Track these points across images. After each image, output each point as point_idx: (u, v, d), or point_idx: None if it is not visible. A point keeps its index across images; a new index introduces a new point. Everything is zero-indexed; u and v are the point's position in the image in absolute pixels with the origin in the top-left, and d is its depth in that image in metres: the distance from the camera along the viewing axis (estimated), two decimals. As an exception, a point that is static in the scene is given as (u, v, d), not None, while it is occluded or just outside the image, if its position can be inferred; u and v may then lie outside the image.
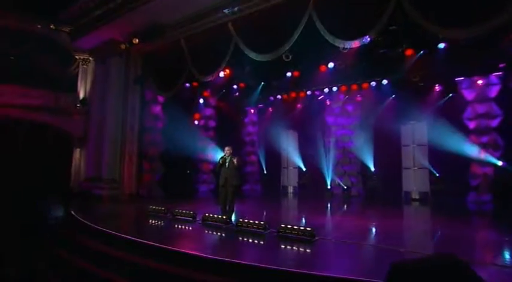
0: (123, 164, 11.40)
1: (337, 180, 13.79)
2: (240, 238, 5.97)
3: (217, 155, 15.13)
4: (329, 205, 11.82)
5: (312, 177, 14.34)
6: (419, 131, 12.70)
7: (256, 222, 6.13)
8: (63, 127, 12.33)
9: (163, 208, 7.92)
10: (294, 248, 5.31)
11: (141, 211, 8.45)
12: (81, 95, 12.58)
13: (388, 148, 12.90)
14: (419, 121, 12.45)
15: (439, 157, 11.43)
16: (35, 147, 11.83)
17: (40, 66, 11.89)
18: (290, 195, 14.99)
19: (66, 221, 7.39)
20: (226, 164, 7.50)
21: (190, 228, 6.84)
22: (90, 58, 12.41)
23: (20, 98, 11.25)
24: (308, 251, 5.17)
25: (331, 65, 11.05)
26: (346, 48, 8.49)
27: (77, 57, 12.49)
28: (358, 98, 13.54)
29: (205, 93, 14.29)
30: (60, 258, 5.64)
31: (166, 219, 7.57)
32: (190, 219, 7.24)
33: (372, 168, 13.22)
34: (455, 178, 11.00)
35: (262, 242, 5.74)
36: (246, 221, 6.29)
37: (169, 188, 12.62)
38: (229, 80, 12.23)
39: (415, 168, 12.79)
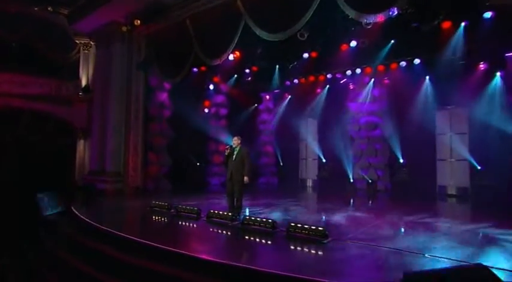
0: (128, 155, 11.53)
1: (361, 173, 13.40)
2: (246, 237, 5.88)
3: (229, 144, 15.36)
4: (351, 201, 11.55)
5: (332, 170, 14.03)
6: (458, 118, 12.05)
7: (264, 220, 6.01)
8: (66, 117, 12.61)
9: (166, 204, 7.92)
10: (305, 249, 5.16)
11: (144, 206, 8.50)
12: (84, 83, 12.77)
13: (421, 137, 12.30)
14: (459, 106, 11.77)
15: (482, 148, 10.80)
16: (36, 139, 12.17)
17: (40, 52, 12.14)
18: (309, 189, 14.81)
19: (64, 217, 7.55)
20: (234, 155, 7.37)
21: (194, 225, 6.80)
22: (92, 42, 12.53)
23: (19, 86, 11.55)
24: (320, 253, 5.01)
25: (353, 43, 10.60)
26: (370, 23, 8.06)
27: (77, 41, 12.64)
28: (386, 81, 12.99)
29: (216, 79, 14.18)
30: (56, 257, 5.76)
31: (169, 216, 7.57)
32: (195, 215, 7.19)
33: (401, 160, 12.73)
34: (500, 172, 10.31)
35: (269, 242, 5.63)
36: (252, 218, 6.18)
37: (178, 181, 12.74)
38: (240, 64, 12.03)
39: (452, 159, 12.20)
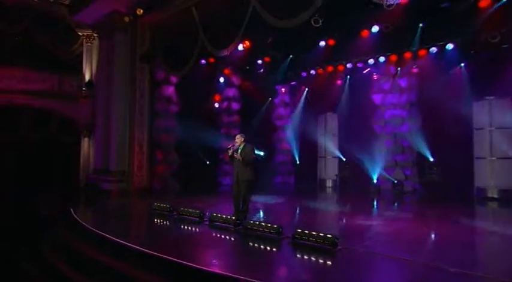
0: (132, 154, 11.64)
1: (385, 173, 12.97)
2: (250, 243, 5.80)
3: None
4: (374, 203, 11.26)
5: (354, 169, 13.67)
6: (499, 110, 11.35)
7: (269, 225, 5.90)
8: (69, 114, 12.89)
9: (168, 206, 7.94)
10: (312, 258, 4.99)
11: (147, 208, 8.55)
12: (87, 77, 12.99)
13: (455, 132, 11.70)
14: (500, 97, 11.12)
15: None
16: (39, 137, 12.50)
17: (41, 46, 12.42)
18: (328, 190, 14.55)
19: (62, 219, 7.69)
20: (238, 155, 7.27)
21: (196, 229, 6.81)
22: (94, 34, 12.71)
23: (21, 82, 11.88)
24: (329, 263, 4.82)
25: (375, 29, 10.23)
26: (392, 4, 7.68)
27: (80, 33, 12.86)
28: (414, 69, 12.47)
29: (226, 71, 14.11)
30: (48, 262, 5.85)
31: (171, 219, 7.60)
32: (197, 219, 7.18)
33: (431, 158, 12.23)
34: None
35: (274, 249, 5.52)
36: (257, 223, 6.12)
37: (186, 181, 12.79)
38: (251, 54, 11.93)
39: (493, 158, 11.56)
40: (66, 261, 5.82)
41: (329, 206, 11.49)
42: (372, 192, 12.88)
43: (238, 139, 7.39)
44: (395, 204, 11.08)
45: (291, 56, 12.57)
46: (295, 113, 15.40)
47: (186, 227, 6.97)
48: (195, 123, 13.08)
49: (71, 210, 7.88)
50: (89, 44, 13.00)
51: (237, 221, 6.48)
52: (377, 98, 13.22)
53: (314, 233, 5.33)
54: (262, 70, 13.21)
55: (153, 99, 12.27)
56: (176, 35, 11.05)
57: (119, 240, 5.54)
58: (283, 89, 15.84)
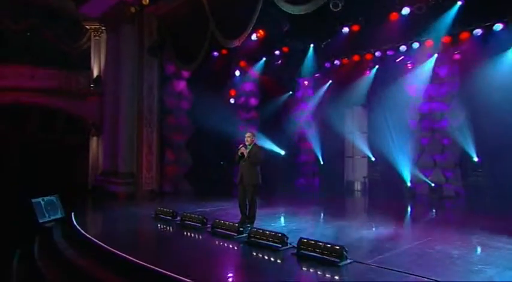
0: (141, 154, 11.83)
1: (422, 175, 12.45)
2: (251, 254, 5.73)
3: (261, 140, 15.23)
4: (409, 209, 10.92)
5: (385, 170, 13.24)
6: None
7: (273, 233, 5.79)
8: (77, 112, 13.29)
9: (171, 211, 8.00)
10: (319, 272, 4.80)
11: (152, 213, 8.63)
12: (95, 73, 13.33)
13: (504, 128, 11.03)
14: None
15: None
16: (46, 137, 13.00)
17: (48, 41, 12.88)
18: (357, 194, 14.22)
19: (61, 225, 7.89)
20: (245, 155, 7.22)
21: (198, 237, 6.81)
22: (102, 27, 13.02)
23: (28, 80, 12.37)
24: (336, 278, 4.62)
25: (405, 10, 9.78)
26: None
27: (87, 27, 13.23)
28: (456, 56, 11.87)
29: (242, 63, 14.05)
30: (39, 270, 6.00)
31: (174, 224, 7.65)
32: (199, 225, 7.17)
33: (475, 158, 11.62)
34: None
35: (278, 261, 5.40)
36: (260, 231, 6.01)
37: (200, 183, 12.86)
38: (267, 45, 11.81)
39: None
40: (58, 270, 5.94)
41: (354, 212, 11.25)
42: (405, 196, 12.51)
43: (249, 137, 7.37)
44: (433, 211, 10.68)
45: (311, 45, 12.26)
46: (319, 108, 15.13)
47: (187, 234, 6.98)
48: (209, 121, 13.13)
49: (72, 214, 8.10)
50: (97, 37, 13.34)
51: (240, 229, 6.42)
52: (412, 90, 12.76)
53: (320, 243, 5.16)
54: (280, 61, 13.01)
55: (163, 95, 12.42)
56: (185, 26, 11.09)
57: (108, 248, 5.59)
58: (305, 82, 15.59)
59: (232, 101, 14.61)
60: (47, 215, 7.89)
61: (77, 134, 13.68)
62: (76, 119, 13.49)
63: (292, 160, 15.53)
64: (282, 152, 15.22)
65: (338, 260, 4.87)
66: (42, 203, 7.91)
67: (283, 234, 5.73)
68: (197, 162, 13.04)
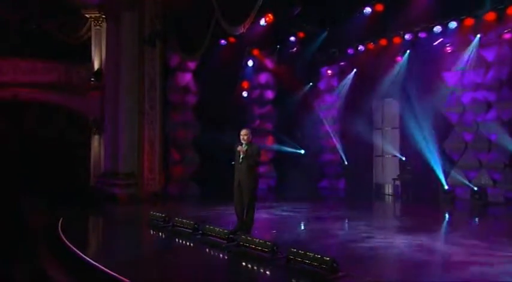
0: (142, 154, 12.12)
1: (463, 177, 12.12)
2: (238, 264, 5.84)
3: (276, 138, 15.26)
4: (447, 217, 10.75)
5: (419, 171, 12.88)
6: None
7: (261, 241, 5.85)
8: (78, 108, 13.76)
9: (163, 215, 8.17)
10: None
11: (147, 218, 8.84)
12: (96, 66, 13.75)
13: None
14: None
15: None
16: (45, 135, 13.54)
17: (47, 33, 13.40)
18: (387, 198, 13.94)
19: (44, 233, 8.22)
20: (241, 156, 7.24)
21: (187, 244, 7.01)
22: (103, 16, 13.41)
23: (27, 74, 12.92)
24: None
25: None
26: None
27: (87, 15, 13.66)
28: (506, 35, 11.34)
29: (255, 52, 14.07)
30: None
31: (166, 230, 7.82)
32: (190, 231, 7.33)
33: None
34: None
35: (267, 272, 5.49)
36: (249, 238, 6.10)
37: (208, 185, 13.02)
38: (279, 30, 11.79)
39: None
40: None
41: (381, 219, 11.00)
42: (443, 201, 12.25)
43: (245, 135, 7.35)
44: (475, 219, 10.45)
45: (329, 28, 12.15)
46: (345, 100, 14.94)
47: (177, 241, 7.21)
48: (218, 117, 13.27)
49: (59, 221, 8.42)
50: (97, 27, 13.75)
51: (230, 236, 6.48)
52: (451, 77, 12.50)
53: (310, 254, 5.15)
54: (295, 49, 12.95)
55: (166, 89, 12.65)
56: (188, 11, 11.26)
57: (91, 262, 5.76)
58: (329, 71, 15.45)
59: (244, 94, 14.67)
60: (33, 220, 8.21)
61: (79, 132, 14.17)
62: (77, 115, 13.97)
63: (314, 160, 15.44)
64: (302, 151, 15.18)
65: (328, 273, 4.83)
66: (27, 206, 8.27)
67: (272, 243, 5.73)
68: (205, 162, 13.18)
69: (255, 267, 5.62)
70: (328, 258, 4.94)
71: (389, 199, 13.94)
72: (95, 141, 13.89)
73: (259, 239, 5.95)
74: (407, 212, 12.02)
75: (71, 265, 6.13)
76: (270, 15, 10.67)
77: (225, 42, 12.52)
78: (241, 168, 7.23)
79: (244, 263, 5.76)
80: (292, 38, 12.80)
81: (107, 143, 12.90)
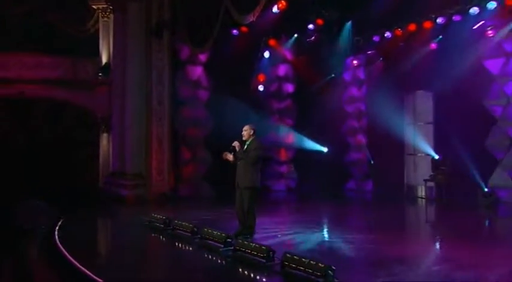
0: (150, 152, 12.35)
1: (508, 177, 11.75)
2: (233, 270, 5.99)
3: (296, 135, 15.22)
4: (486, 224, 10.52)
5: (455, 171, 12.55)
6: None
7: (257, 246, 5.93)
8: (85, 105, 14.13)
9: (164, 217, 8.36)
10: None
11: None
12: (104, 60, 14.09)
13: None
14: None
15: None
16: (51, 134, 14.03)
17: (52, 26, 13.82)
18: (420, 202, 13.63)
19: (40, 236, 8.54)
20: (241, 153, 7.31)
21: (185, 248, 7.20)
22: (110, 7, 13.72)
23: (32, 69, 13.36)
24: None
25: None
26: None
27: (94, 7, 14.02)
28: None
29: (272, 42, 14.07)
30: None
31: (166, 234, 8.01)
32: (189, 234, 7.48)
33: None
34: None
35: (259, 278, 5.62)
36: (245, 243, 6.20)
37: (222, 185, 13.12)
38: (295, 18, 11.75)
39: None
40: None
41: (414, 225, 10.81)
42: (482, 205, 11.92)
43: (246, 132, 7.45)
44: None
45: (350, 15, 12.05)
46: (372, 93, 14.76)
47: (175, 245, 7.43)
48: (232, 112, 13.34)
49: (58, 223, 8.73)
50: (105, 19, 14.06)
51: (228, 240, 6.54)
52: (493, 66, 12.16)
53: (304, 260, 5.17)
54: (313, 37, 12.88)
55: (175, 83, 12.85)
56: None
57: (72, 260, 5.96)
58: (355, 62, 15.26)
59: (260, 88, 14.69)
60: (28, 223, 8.53)
61: (87, 130, 14.57)
62: (85, 113, 14.36)
63: (338, 159, 15.32)
64: (325, 149, 15.09)
65: (324, 280, 4.84)
66: (24, 208, 8.61)
67: (267, 247, 5.78)
68: (218, 161, 13.28)
69: (249, 273, 5.69)
70: (322, 265, 4.94)
71: (422, 202, 13.63)
72: (104, 140, 14.20)
73: (255, 244, 6.04)
74: (441, 219, 11.81)
75: (59, 267, 6.39)
76: (282, 1, 10.68)
77: (237, 32, 12.60)
78: (238, 166, 7.33)
79: (238, 269, 5.87)
80: (310, 26, 12.74)
81: (115, 141, 13.20)
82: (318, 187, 14.58)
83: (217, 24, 10.83)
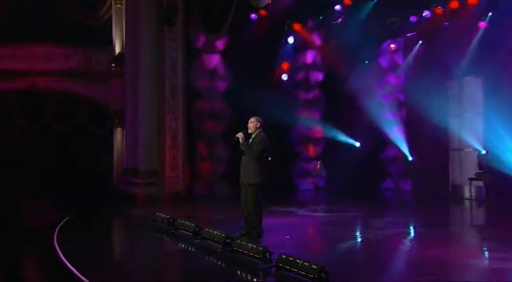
0: (163, 149, 12.61)
1: None
2: (229, 271, 6.21)
3: (326, 129, 15.13)
4: None
5: (503, 169, 12.13)
6: None
7: (254, 247, 6.10)
8: (98, 98, 14.60)
9: (168, 217, 8.65)
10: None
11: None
12: (117, 50, 14.52)
13: None
14: None
15: None
16: (64, 129, 14.60)
17: (63, 14, 14.32)
18: (467, 204, 13.21)
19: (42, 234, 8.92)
20: (246, 147, 7.44)
21: (187, 248, 7.49)
22: (123, -7, 14.11)
23: (43, 61, 13.93)
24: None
25: None
26: None
27: (106, -7, 14.48)
28: None
29: (297, 27, 14.05)
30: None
31: (169, 233, 8.32)
32: (191, 234, 7.72)
33: None
34: None
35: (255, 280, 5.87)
36: (243, 243, 6.40)
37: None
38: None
39: None
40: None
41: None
42: None
43: (252, 124, 7.58)
44: None
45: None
46: (412, 81, 14.50)
47: (177, 245, 7.76)
48: (253, 104, 13.41)
49: (59, 224, 9.11)
50: (118, 5, 14.45)
51: (227, 240, 6.68)
52: None
53: (298, 261, 5.29)
54: (340, 20, 12.77)
55: (190, 73, 13.06)
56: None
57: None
58: (392, 45, 15.02)
59: (284, 77, 14.70)
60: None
61: (100, 124, 15.06)
62: (98, 106, 14.85)
63: (374, 155, 15.14)
64: (357, 144, 14.96)
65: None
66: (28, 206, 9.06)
67: (264, 248, 5.93)
68: (237, 158, 13.41)
69: (244, 274, 5.92)
70: (315, 267, 5.02)
71: (469, 205, 13.21)
72: (118, 135, 14.66)
73: (252, 244, 6.20)
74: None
75: (53, 268, 6.70)
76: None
77: (256, 17, 12.65)
78: (242, 161, 7.52)
79: (232, 270, 6.12)
80: (337, 7, 12.65)
81: (127, 136, 13.56)
82: (350, 185, 14.44)
83: (232, 8, 10.98)
